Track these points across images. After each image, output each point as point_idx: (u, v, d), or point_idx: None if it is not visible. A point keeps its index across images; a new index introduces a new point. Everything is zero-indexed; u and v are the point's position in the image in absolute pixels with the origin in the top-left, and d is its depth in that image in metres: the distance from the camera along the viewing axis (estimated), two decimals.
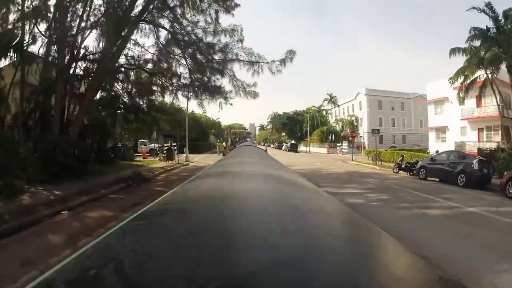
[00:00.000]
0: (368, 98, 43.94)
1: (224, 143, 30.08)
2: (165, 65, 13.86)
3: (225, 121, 72.58)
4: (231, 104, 13.74)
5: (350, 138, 24.08)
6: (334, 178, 12.73)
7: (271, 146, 72.55)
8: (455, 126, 29.83)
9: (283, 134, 78.56)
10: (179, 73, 13.64)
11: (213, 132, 61.53)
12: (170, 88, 14.07)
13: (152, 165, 17.39)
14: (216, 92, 13.63)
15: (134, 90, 15.86)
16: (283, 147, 52.25)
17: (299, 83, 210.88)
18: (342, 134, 46.03)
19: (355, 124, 45.84)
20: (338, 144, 37.18)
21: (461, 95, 21.79)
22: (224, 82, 13.90)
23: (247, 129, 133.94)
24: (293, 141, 53.32)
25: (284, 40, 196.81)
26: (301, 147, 50.99)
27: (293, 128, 60.15)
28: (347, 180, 12.00)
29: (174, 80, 13.51)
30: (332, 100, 49.01)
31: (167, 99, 16.76)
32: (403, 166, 15.60)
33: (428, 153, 24.07)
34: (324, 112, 54.04)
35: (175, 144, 25.78)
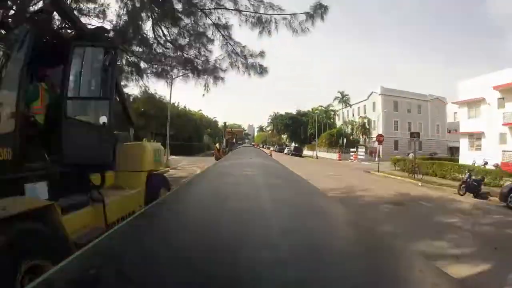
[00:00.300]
0: (383, 98, 39.02)
1: (217, 145, 24.96)
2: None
3: (222, 121, 67.57)
4: (222, 79, 8.81)
5: (377, 142, 19.27)
6: (397, 213, 7.63)
7: (271, 148, 67.45)
8: (493, 132, 25.62)
9: (283, 136, 73.58)
10: (144, 34, 8.59)
11: (209, 131, 56.56)
12: (129, 56, 9.03)
13: None
14: (199, 66, 8.70)
15: None
16: (286, 151, 47.11)
17: (301, 83, 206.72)
18: (351, 137, 41.19)
19: (367, 127, 40.97)
20: (352, 149, 32.10)
21: None
22: (214, 48, 8.85)
23: (245, 130, 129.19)
24: (296, 144, 48.24)
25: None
26: (305, 151, 46.01)
27: (296, 130, 55.03)
28: (426, 223, 6.86)
29: (135, 42, 8.39)
30: (343, 99, 43.80)
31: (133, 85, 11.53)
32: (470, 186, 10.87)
33: (474, 164, 19.16)
34: (332, 113, 48.71)
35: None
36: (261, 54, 8.36)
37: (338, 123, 50.41)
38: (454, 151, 46.82)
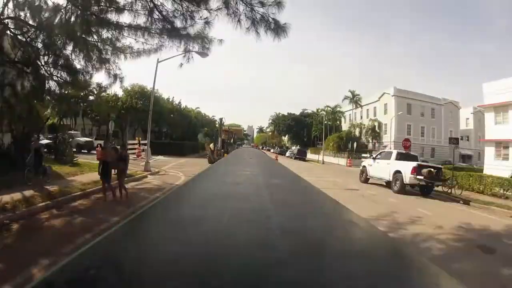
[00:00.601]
0: (396, 100, 35.85)
1: (211, 145, 21.69)
2: None
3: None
4: (209, 42, 5.65)
5: (404, 148, 16.13)
6: None
7: (271, 151, 64.08)
8: None
9: (284, 138, 70.38)
10: None
11: (206, 130, 53.30)
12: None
13: (70, 178, 9.12)
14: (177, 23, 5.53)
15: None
16: (288, 153, 43.80)
17: (304, 82, 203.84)
18: (359, 141, 38.00)
19: (377, 130, 37.81)
20: (364, 155, 28.74)
21: None
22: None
23: (245, 131, 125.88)
24: (299, 147, 44.95)
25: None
26: (309, 155, 42.71)
27: (299, 131, 51.76)
28: None
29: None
30: (354, 99, 40.50)
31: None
32: None
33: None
34: (340, 115, 45.14)
35: (145, 142, 18.28)
36: (278, 2, 5.13)
37: (344, 125, 47.25)
38: (465, 159, 44.10)
